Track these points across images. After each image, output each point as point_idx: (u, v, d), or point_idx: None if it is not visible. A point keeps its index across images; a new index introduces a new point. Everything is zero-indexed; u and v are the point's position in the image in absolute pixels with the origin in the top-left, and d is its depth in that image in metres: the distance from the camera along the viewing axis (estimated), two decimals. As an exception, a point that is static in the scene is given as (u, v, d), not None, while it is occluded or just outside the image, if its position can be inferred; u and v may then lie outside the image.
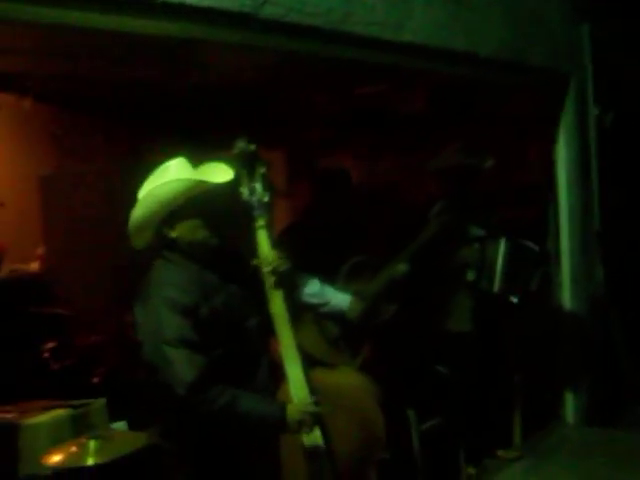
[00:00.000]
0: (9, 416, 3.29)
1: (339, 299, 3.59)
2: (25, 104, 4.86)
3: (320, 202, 3.80)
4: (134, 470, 2.85)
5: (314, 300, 3.55)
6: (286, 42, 3.14)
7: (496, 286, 4.04)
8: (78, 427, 3.20)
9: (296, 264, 2.77)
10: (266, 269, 2.65)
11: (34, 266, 5.12)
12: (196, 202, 2.57)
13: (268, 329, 2.67)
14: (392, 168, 5.52)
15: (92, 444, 2.64)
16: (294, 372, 2.60)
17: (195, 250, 2.61)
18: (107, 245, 4.68)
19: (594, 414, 4.79)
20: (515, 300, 4.06)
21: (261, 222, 2.70)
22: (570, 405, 4.84)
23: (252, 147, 2.75)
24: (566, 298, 4.82)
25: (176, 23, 2.72)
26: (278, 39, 3.08)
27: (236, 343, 2.60)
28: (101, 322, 4.81)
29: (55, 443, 2.88)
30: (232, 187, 2.67)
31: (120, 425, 3.45)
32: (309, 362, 2.70)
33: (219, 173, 2.61)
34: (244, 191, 2.72)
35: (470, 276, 4.07)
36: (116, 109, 5.14)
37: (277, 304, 2.64)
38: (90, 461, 2.57)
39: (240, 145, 2.76)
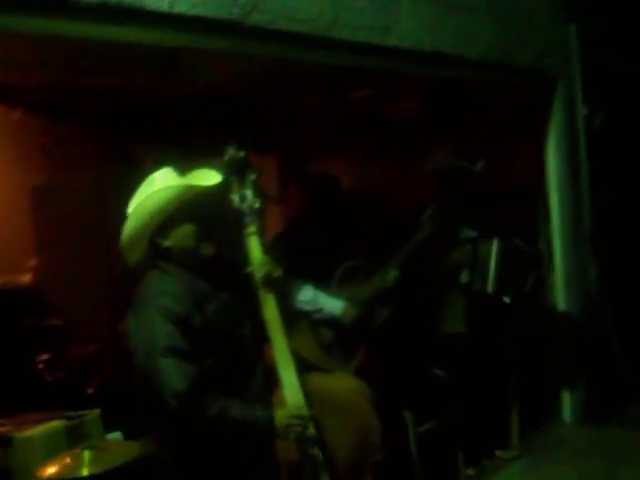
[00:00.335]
0: (3, 429, 3.28)
1: (332, 305, 3.60)
2: (15, 115, 4.86)
3: (310, 208, 3.81)
4: (129, 480, 2.85)
5: (307, 307, 3.57)
6: (274, 49, 3.15)
7: (489, 287, 4.05)
8: (73, 438, 3.19)
9: (289, 270, 2.77)
10: (258, 276, 2.66)
11: (26, 278, 5.10)
12: (187, 207, 2.58)
13: (262, 336, 2.67)
14: (384, 172, 5.53)
15: (87, 455, 2.63)
16: (288, 377, 2.61)
17: (188, 258, 2.61)
18: (100, 255, 4.67)
19: (590, 413, 4.80)
20: (508, 300, 4.07)
21: (252, 229, 2.71)
22: (566, 404, 4.84)
23: (242, 154, 2.76)
24: (560, 298, 4.83)
25: (165, 32, 2.73)
26: (266, 46, 3.08)
27: (229, 351, 2.60)
28: (95, 332, 4.80)
29: (50, 455, 2.87)
30: (221, 190, 2.68)
31: (115, 435, 3.44)
32: (304, 367, 2.70)
33: (207, 177, 2.63)
34: (235, 198, 2.73)
35: (463, 278, 4.08)
36: (107, 118, 5.13)
37: (270, 310, 2.65)
38: (85, 472, 2.56)
39: (230, 152, 2.77)
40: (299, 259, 3.36)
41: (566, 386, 4.84)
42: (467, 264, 4.09)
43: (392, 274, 3.72)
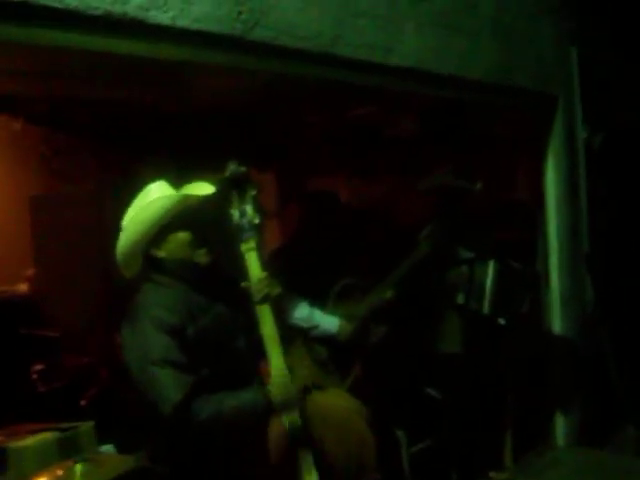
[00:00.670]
0: (-4, 439, 3.27)
1: (328, 322, 3.60)
2: (16, 125, 4.87)
3: (308, 224, 3.81)
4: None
5: (303, 324, 3.56)
6: (276, 65, 3.15)
7: (485, 308, 4.04)
8: (66, 450, 3.16)
9: (285, 286, 2.77)
10: (256, 291, 2.65)
11: (23, 287, 5.10)
12: (183, 216, 2.58)
13: (258, 350, 2.67)
14: (383, 189, 5.53)
15: (79, 468, 2.63)
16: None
17: (183, 269, 2.61)
18: (97, 266, 4.67)
19: (585, 435, 4.78)
20: (504, 322, 4.06)
21: (251, 244, 2.70)
22: (561, 426, 4.82)
23: (243, 169, 2.77)
24: (556, 319, 4.81)
25: (167, 45, 2.73)
26: (268, 62, 3.09)
27: (224, 363, 2.60)
28: (91, 343, 4.78)
29: (42, 467, 2.85)
30: (217, 200, 2.68)
31: (108, 448, 3.42)
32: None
33: (201, 188, 2.64)
34: (235, 213, 2.73)
35: (460, 299, 4.07)
36: (107, 130, 5.14)
37: (267, 325, 2.64)
38: (76, 486, 2.56)
39: (231, 167, 2.77)
40: (296, 275, 3.36)
41: (561, 408, 4.82)
42: (463, 285, 4.08)
43: (389, 292, 3.72)
